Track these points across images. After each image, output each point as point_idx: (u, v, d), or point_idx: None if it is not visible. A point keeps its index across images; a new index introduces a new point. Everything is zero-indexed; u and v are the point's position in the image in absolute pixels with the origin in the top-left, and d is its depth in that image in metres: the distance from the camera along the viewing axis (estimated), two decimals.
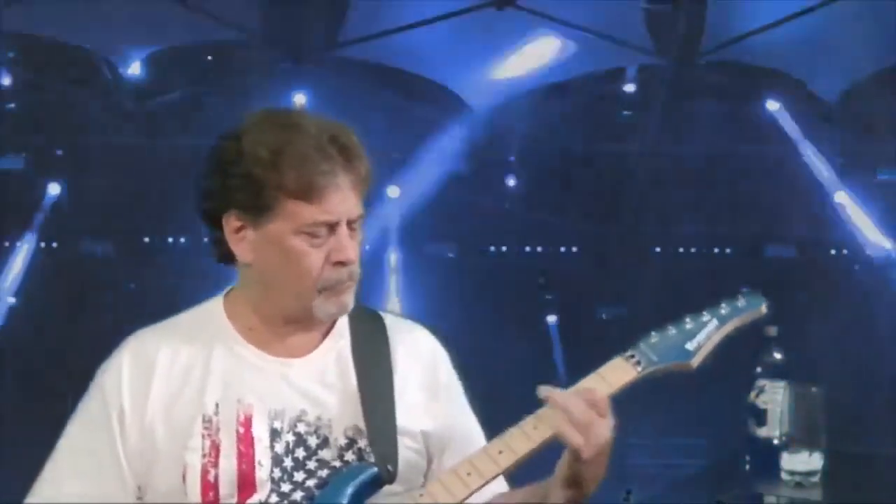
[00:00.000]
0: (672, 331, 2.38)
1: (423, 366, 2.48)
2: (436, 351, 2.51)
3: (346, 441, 2.37)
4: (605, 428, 2.26)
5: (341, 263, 2.35)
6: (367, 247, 2.44)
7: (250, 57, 8.45)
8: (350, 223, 2.36)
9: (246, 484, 2.32)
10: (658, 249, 9.76)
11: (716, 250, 9.86)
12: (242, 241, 2.37)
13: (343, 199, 2.34)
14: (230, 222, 2.37)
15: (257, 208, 2.33)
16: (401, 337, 2.48)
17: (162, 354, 2.39)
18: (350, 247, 2.35)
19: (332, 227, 2.34)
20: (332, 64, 8.28)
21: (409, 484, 2.38)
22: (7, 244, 9.22)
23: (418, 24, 7.73)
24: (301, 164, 2.31)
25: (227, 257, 2.42)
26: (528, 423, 2.30)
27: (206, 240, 2.46)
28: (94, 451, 2.36)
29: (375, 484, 2.32)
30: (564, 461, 2.29)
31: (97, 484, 2.36)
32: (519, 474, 2.38)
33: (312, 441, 2.36)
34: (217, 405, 2.35)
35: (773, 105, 8.78)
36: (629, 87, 8.88)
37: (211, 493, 2.31)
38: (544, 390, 2.27)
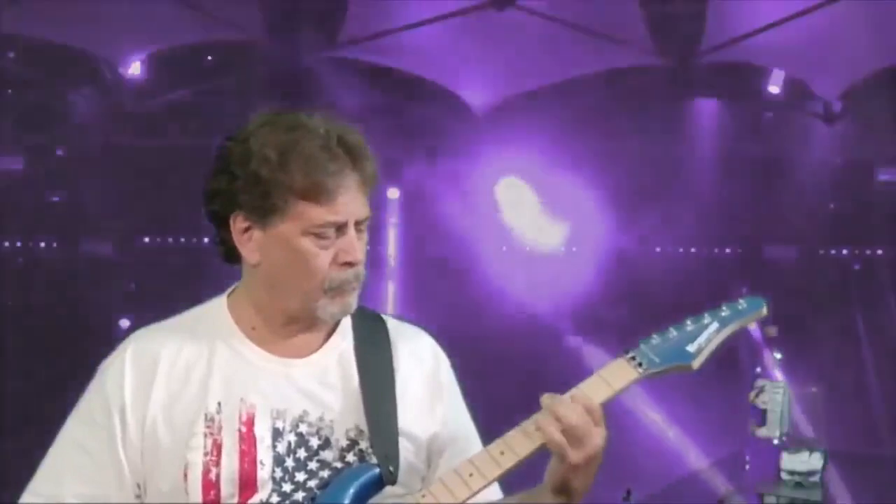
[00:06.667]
0: (673, 332, 2.37)
1: (424, 369, 2.47)
2: (437, 355, 2.51)
3: (347, 442, 2.36)
4: (598, 437, 2.26)
5: (349, 264, 2.34)
6: (367, 248, 2.42)
7: (250, 57, 8.46)
8: (357, 224, 2.36)
9: (247, 483, 2.31)
10: (658, 249, 9.77)
11: (716, 250, 9.88)
12: (249, 241, 2.36)
13: (351, 200, 2.33)
14: (237, 223, 2.36)
15: (265, 209, 2.32)
16: (403, 340, 2.48)
17: (165, 353, 2.38)
18: (358, 248, 2.35)
19: (339, 227, 2.33)
20: (332, 64, 8.28)
21: (409, 485, 2.37)
22: (7, 244, 9.24)
23: (418, 25, 7.73)
24: (309, 164, 2.30)
25: (233, 257, 2.41)
26: (530, 423, 2.29)
27: (206, 240, 2.46)
28: (93, 449, 2.35)
29: (377, 485, 2.32)
30: (553, 468, 2.29)
31: (96, 482, 2.35)
32: (516, 477, 2.38)
33: (314, 442, 2.35)
34: (219, 404, 2.34)
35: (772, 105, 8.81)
36: (631, 88, 8.88)
37: (212, 492, 2.30)
38: (546, 398, 2.27)
